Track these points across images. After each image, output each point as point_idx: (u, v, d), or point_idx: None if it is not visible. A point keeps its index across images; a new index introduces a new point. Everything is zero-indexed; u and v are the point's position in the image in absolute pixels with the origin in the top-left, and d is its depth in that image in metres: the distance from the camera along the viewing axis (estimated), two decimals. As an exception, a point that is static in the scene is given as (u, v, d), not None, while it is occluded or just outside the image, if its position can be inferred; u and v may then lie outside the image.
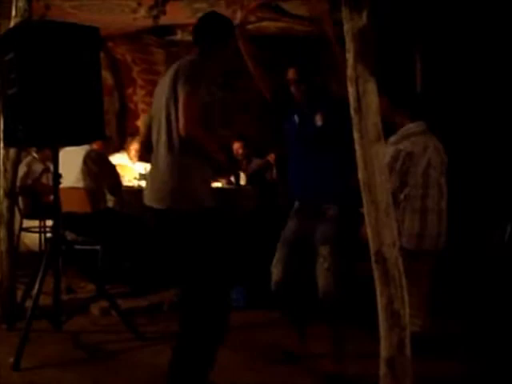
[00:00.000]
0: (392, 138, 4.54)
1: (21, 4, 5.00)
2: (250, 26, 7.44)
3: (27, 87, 4.21)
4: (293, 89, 4.16)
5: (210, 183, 3.53)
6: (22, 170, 6.27)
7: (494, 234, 6.75)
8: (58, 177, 4.61)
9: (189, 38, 7.56)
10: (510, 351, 4.43)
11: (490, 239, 6.71)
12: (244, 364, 4.21)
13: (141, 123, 8.33)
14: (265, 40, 7.69)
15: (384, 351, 3.03)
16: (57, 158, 4.61)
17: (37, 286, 4.43)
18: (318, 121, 4.09)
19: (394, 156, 4.44)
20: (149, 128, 3.58)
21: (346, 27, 3.02)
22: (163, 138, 3.34)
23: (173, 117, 3.29)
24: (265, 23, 7.37)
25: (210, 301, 3.33)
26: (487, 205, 6.84)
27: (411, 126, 4.54)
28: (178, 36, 7.78)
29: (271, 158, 7.65)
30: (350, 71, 3.01)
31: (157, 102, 3.46)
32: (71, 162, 5.68)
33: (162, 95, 3.40)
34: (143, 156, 4.81)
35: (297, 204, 4.23)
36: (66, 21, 4.54)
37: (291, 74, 4.16)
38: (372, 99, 2.98)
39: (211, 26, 3.58)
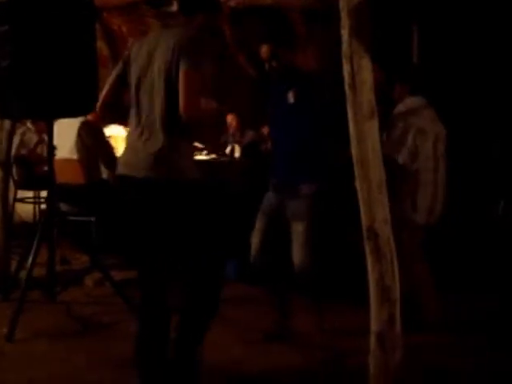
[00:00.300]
0: (397, 112, 4.53)
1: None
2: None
3: (21, 59, 4.18)
4: (266, 66, 4.17)
5: (193, 156, 3.47)
6: (16, 140, 6.25)
7: (488, 208, 6.79)
8: (52, 149, 4.62)
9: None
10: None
11: (484, 214, 6.75)
12: (234, 340, 4.24)
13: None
14: (261, 12, 7.69)
15: (374, 325, 3.07)
16: (51, 130, 4.62)
17: (31, 257, 4.46)
18: (291, 98, 4.08)
19: (404, 130, 4.43)
20: (115, 87, 3.49)
21: (342, 4, 3.01)
22: (157, 108, 3.21)
23: (168, 93, 3.18)
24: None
25: (203, 273, 3.31)
26: (481, 180, 6.87)
27: (414, 100, 4.54)
28: (174, 7, 7.68)
29: (265, 130, 7.61)
30: (345, 47, 3.01)
31: (143, 65, 3.30)
32: (65, 133, 5.67)
33: (153, 61, 3.25)
34: (105, 117, 4.68)
35: (274, 179, 4.24)
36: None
37: (263, 51, 4.15)
38: (367, 76, 2.99)
39: None
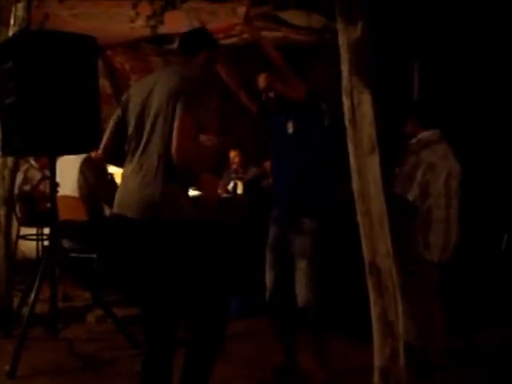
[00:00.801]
0: (410, 147, 4.52)
1: (19, 13, 5.04)
2: (247, 35, 7.58)
3: (25, 96, 4.23)
4: (263, 97, 4.15)
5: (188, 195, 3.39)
6: (19, 177, 6.26)
7: (491, 242, 6.77)
8: (55, 185, 4.64)
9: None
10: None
11: (488, 247, 6.74)
12: (238, 376, 4.21)
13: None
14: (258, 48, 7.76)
15: (377, 361, 3.05)
16: (54, 166, 4.64)
17: (33, 294, 4.45)
18: (290, 128, 4.05)
19: (415, 166, 4.40)
20: (115, 132, 3.51)
21: (341, 39, 3.05)
22: (154, 148, 3.19)
23: (164, 132, 3.17)
24: (262, 33, 7.38)
25: (208, 310, 3.27)
26: (484, 213, 6.87)
27: (427, 134, 4.49)
28: (176, 44, 7.77)
29: (267, 166, 7.62)
30: (345, 83, 3.04)
31: (137, 107, 3.33)
32: (68, 170, 5.69)
33: (151, 101, 3.27)
34: (108, 161, 4.68)
35: (276, 211, 4.20)
36: (65, 30, 4.56)
37: (261, 80, 4.14)
38: (367, 110, 3.01)
39: (204, 38, 3.58)
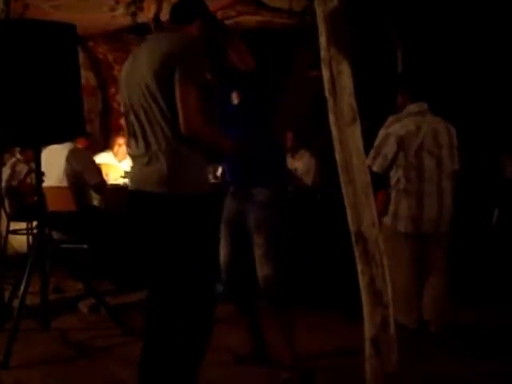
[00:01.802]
0: (388, 120, 4.57)
1: (-2, 3, 5.00)
2: (229, 21, 7.56)
3: (5, 87, 4.21)
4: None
5: (206, 168, 3.24)
6: (6, 172, 6.25)
7: (482, 217, 6.79)
8: (40, 175, 4.61)
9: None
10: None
11: (478, 223, 6.75)
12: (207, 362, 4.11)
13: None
14: (244, 34, 7.74)
15: (368, 331, 3.04)
16: (39, 157, 4.62)
17: (23, 285, 4.44)
18: (235, 99, 3.95)
19: (382, 140, 4.48)
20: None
21: (318, 11, 3.03)
22: (158, 125, 3.00)
23: (164, 106, 2.98)
24: (244, 17, 7.39)
25: (200, 293, 3.13)
26: (474, 188, 6.88)
27: (411, 107, 4.55)
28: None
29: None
30: (323, 54, 3.02)
31: (132, 87, 3.10)
32: (54, 161, 5.69)
33: (142, 76, 3.01)
34: None
35: (230, 184, 4.06)
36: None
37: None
38: (346, 81, 2.99)
39: (198, 5, 3.38)
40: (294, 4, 6.79)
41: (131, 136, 3.18)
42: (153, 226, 3.10)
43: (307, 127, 7.60)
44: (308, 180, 7.01)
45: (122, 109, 3.38)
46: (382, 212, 4.49)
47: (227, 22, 7.48)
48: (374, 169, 4.44)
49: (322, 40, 3.02)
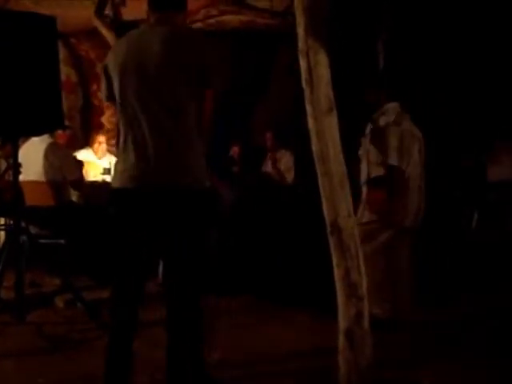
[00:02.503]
0: (390, 117, 4.57)
1: (-22, -3, 4.99)
2: (212, 20, 7.56)
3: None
4: None
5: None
6: (-15, 167, 6.21)
7: (462, 219, 6.82)
8: (17, 168, 4.59)
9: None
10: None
11: (458, 225, 6.78)
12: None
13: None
14: (227, 34, 7.74)
15: (342, 323, 3.05)
16: (17, 150, 4.60)
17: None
18: None
19: (400, 136, 4.51)
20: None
21: (296, 2, 3.04)
22: (172, 117, 3.00)
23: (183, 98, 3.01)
24: (227, 17, 7.39)
25: (199, 285, 3.16)
26: (454, 190, 6.91)
27: (395, 106, 4.61)
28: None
29: (234, 152, 7.60)
30: (300, 44, 3.03)
31: (134, 75, 3.02)
32: (33, 155, 5.65)
33: (150, 70, 2.99)
34: None
35: None
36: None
37: None
38: (323, 71, 3.01)
39: None
40: (276, 4, 6.80)
41: (128, 126, 3.07)
42: (170, 215, 3.04)
43: (287, 127, 7.61)
44: (289, 178, 7.04)
45: (104, 96, 3.24)
46: (380, 211, 4.50)
47: (210, 21, 7.50)
48: (406, 169, 4.50)
49: (300, 31, 3.03)
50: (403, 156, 4.47)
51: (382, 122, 4.55)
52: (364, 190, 4.64)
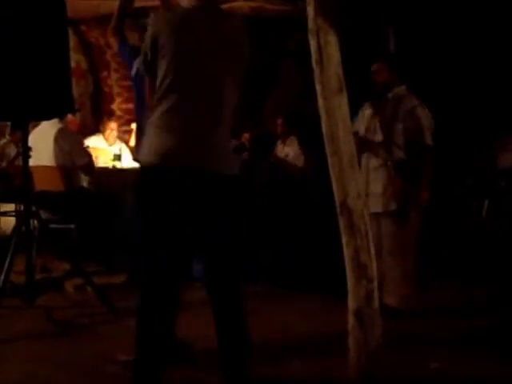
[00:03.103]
0: (414, 101, 4.60)
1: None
2: (223, 6, 7.52)
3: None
4: None
5: None
6: (-5, 153, 6.24)
7: (472, 208, 6.80)
8: (27, 153, 4.59)
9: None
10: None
11: (468, 213, 6.76)
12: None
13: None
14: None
15: (351, 303, 3.04)
16: (26, 135, 4.60)
17: (7, 263, 4.41)
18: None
19: (430, 118, 4.59)
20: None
21: (306, -18, 3.02)
22: (223, 103, 3.05)
23: (230, 94, 3.08)
24: (237, 3, 7.35)
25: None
26: (464, 177, 6.90)
27: (404, 88, 4.65)
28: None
29: (245, 138, 7.56)
30: (310, 24, 3.01)
31: (192, 54, 3.03)
32: (43, 141, 5.64)
33: (211, 52, 3.03)
34: None
35: None
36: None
37: None
38: (333, 51, 2.99)
39: None
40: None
41: (175, 107, 3.02)
42: (218, 202, 3.06)
43: (297, 113, 7.60)
44: (300, 163, 7.03)
45: (143, 68, 3.17)
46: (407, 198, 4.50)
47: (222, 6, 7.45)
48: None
49: (310, 10, 3.01)
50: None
51: (407, 102, 4.54)
52: (384, 174, 4.58)
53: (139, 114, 4.13)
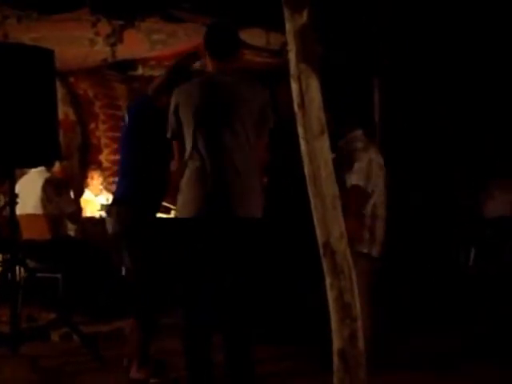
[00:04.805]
0: (358, 144, 4.56)
1: (-22, 32, 5.06)
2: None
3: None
4: None
5: None
6: (-18, 203, 6.24)
7: (459, 255, 6.83)
8: (14, 199, 4.61)
9: (150, 72, 7.67)
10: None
11: (455, 261, 6.79)
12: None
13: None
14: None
15: (336, 344, 3.02)
16: (13, 180, 4.62)
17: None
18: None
19: (368, 165, 4.49)
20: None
21: (288, 27, 3.08)
22: (238, 146, 3.48)
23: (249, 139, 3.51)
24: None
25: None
26: (451, 226, 6.94)
27: (360, 133, 4.60)
28: (139, 71, 7.82)
29: None
30: (292, 68, 3.06)
31: (209, 107, 3.51)
32: (31, 189, 5.69)
33: (233, 109, 3.50)
34: None
35: None
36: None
37: None
38: (315, 94, 3.03)
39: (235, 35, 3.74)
40: (272, 41, 6.87)
41: (200, 160, 3.48)
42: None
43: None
44: None
45: (169, 133, 3.63)
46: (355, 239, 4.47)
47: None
48: (372, 195, 4.50)
49: (292, 55, 3.07)
50: (370, 180, 4.45)
51: (349, 147, 4.56)
52: None
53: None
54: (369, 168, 4.46)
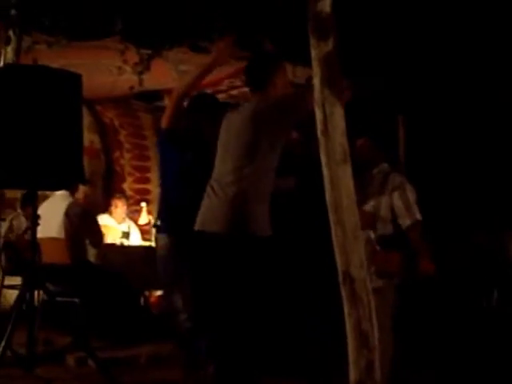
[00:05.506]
0: (401, 177, 4.60)
1: (9, 56, 5.11)
2: (235, 91, 7.67)
3: (5, 129, 4.27)
4: None
5: None
6: (5, 225, 6.28)
7: (482, 299, 6.74)
8: (36, 221, 4.62)
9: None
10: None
11: (479, 304, 6.70)
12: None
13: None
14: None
15: (353, 374, 2.99)
16: (36, 203, 4.64)
17: (8, 331, 4.38)
18: None
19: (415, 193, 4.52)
20: None
21: (313, 54, 3.11)
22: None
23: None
24: (234, 91, 7.51)
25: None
26: (474, 269, 6.86)
27: (387, 166, 4.60)
28: (165, 101, 7.89)
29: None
30: (317, 95, 3.08)
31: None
32: (53, 213, 5.71)
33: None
34: None
35: None
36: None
37: None
38: (339, 121, 3.04)
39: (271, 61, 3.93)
40: (298, 74, 6.89)
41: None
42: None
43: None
44: None
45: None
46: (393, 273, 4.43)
47: (233, 92, 7.61)
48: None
49: (316, 82, 3.09)
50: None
51: (394, 178, 4.54)
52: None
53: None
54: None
